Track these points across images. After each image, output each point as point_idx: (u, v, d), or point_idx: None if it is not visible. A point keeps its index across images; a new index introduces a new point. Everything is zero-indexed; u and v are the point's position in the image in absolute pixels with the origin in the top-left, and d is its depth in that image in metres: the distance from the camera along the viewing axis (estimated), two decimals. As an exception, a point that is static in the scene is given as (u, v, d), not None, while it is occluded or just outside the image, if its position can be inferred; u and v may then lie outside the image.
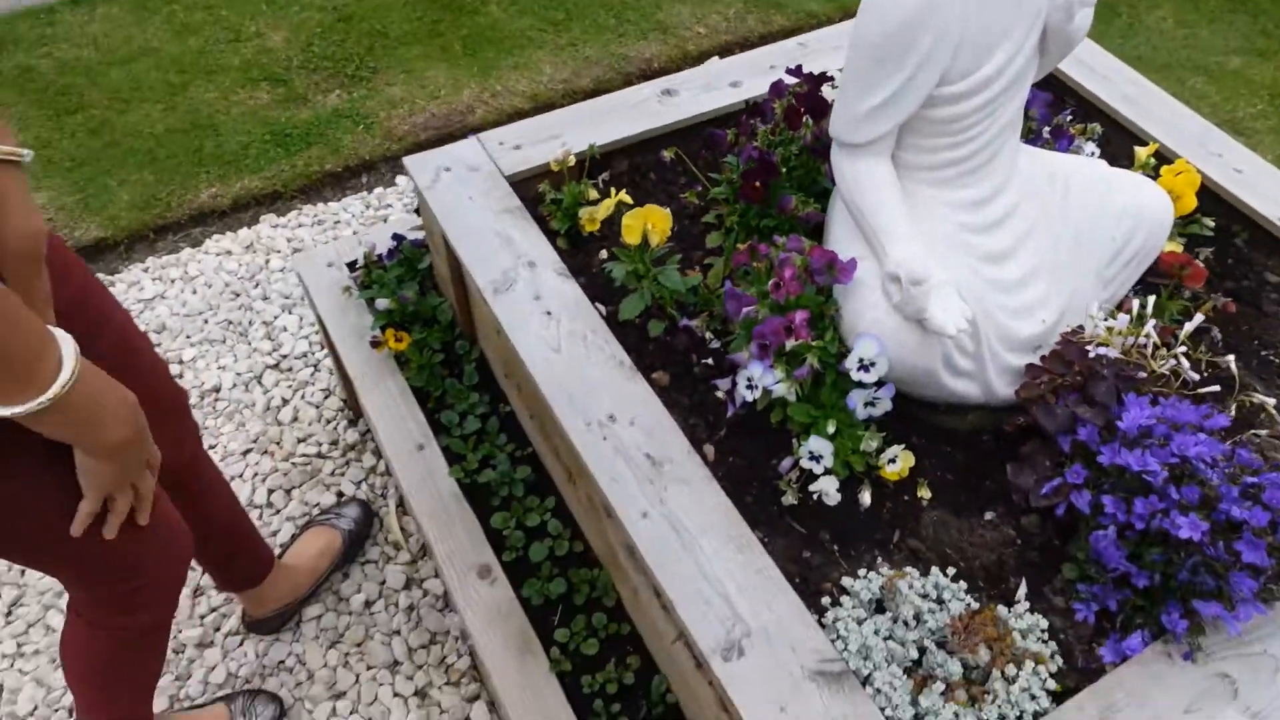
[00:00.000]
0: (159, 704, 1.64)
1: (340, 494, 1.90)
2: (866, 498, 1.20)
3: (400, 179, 2.66)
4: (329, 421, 2.02)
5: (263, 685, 1.67)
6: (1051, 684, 1.02)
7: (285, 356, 2.14)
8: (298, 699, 1.65)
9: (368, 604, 1.76)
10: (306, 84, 2.90)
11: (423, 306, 1.66)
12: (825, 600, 1.10)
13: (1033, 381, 1.23)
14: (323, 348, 2.14)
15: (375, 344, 1.63)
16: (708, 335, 1.39)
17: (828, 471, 1.20)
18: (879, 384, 1.19)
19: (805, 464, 1.20)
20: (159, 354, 1.25)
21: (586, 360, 1.26)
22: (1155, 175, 1.45)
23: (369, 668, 1.69)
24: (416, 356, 1.60)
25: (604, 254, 1.49)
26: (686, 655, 1.16)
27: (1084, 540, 1.12)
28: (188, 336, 2.19)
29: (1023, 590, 1.11)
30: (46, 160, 2.68)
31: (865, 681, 1.01)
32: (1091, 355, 1.19)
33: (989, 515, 1.22)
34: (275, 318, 2.21)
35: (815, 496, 1.20)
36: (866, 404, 1.20)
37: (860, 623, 1.05)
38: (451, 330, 1.68)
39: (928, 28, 1.09)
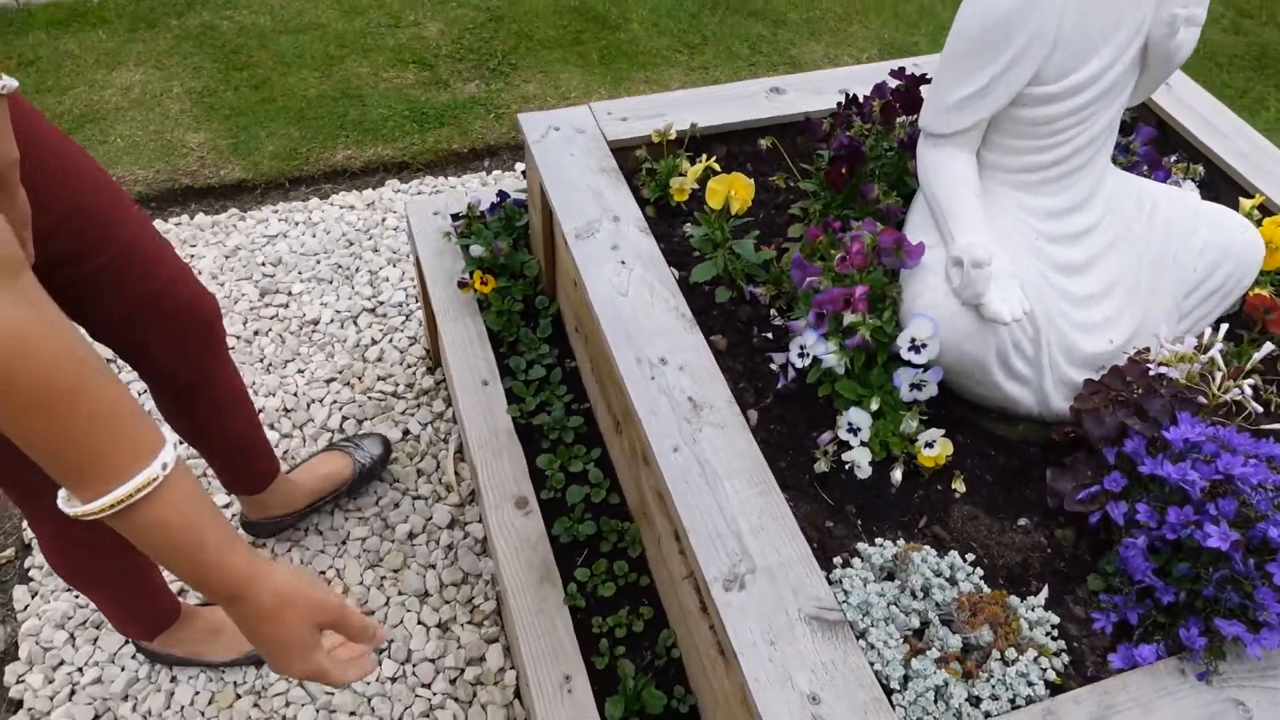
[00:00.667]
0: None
1: (407, 431, 1.99)
2: (898, 475, 1.20)
3: (518, 164, 2.80)
4: (409, 366, 2.12)
5: (301, 590, 1.75)
6: (1052, 675, 0.99)
7: (382, 303, 2.26)
8: (330, 608, 1.72)
9: (411, 535, 1.83)
10: (450, 72, 3.10)
11: (512, 260, 1.75)
12: (837, 561, 1.11)
13: (1088, 394, 1.21)
14: (417, 300, 2.26)
15: (462, 285, 1.72)
16: (772, 312, 1.43)
17: (863, 444, 1.21)
18: (928, 367, 1.20)
19: (843, 435, 1.22)
20: (186, 264, 1.27)
21: (650, 307, 1.31)
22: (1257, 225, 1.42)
23: (400, 593, 1.75)
24: (498, 302, 1.69)
25: (688, 227, 1.55)
26: (693, 597, 1.18)
27: (1114, 555, 1.09)
28: (299, 272, 2.35)
29: (1043, 594, 1.09)
30: (209, 107, 2.94)
31: (860, 636, 1.01)
32: (1152, 373, 1.17)
33: (1022, 521, 1.21)
34: (380, 269, 2.35)
35: (847, 467, 1.21)
36: (913, 385, 1.21)
37: (866, 583, 1.05)
38: (535, 286, 1.76)
39: (1026, 25, 1.12)
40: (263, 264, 2.37)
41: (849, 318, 1.24)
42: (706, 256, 1.44)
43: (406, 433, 1.99)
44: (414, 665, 1.66)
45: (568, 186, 1.49)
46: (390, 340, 2.18)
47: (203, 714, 1.61)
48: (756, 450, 1.16)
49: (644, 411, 1.18)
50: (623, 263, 1.37)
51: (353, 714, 1.60)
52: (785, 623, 1.00)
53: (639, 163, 1.60)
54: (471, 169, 2.80)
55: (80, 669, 1.65)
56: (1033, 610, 1.05)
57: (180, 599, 1.59)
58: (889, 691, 0.97)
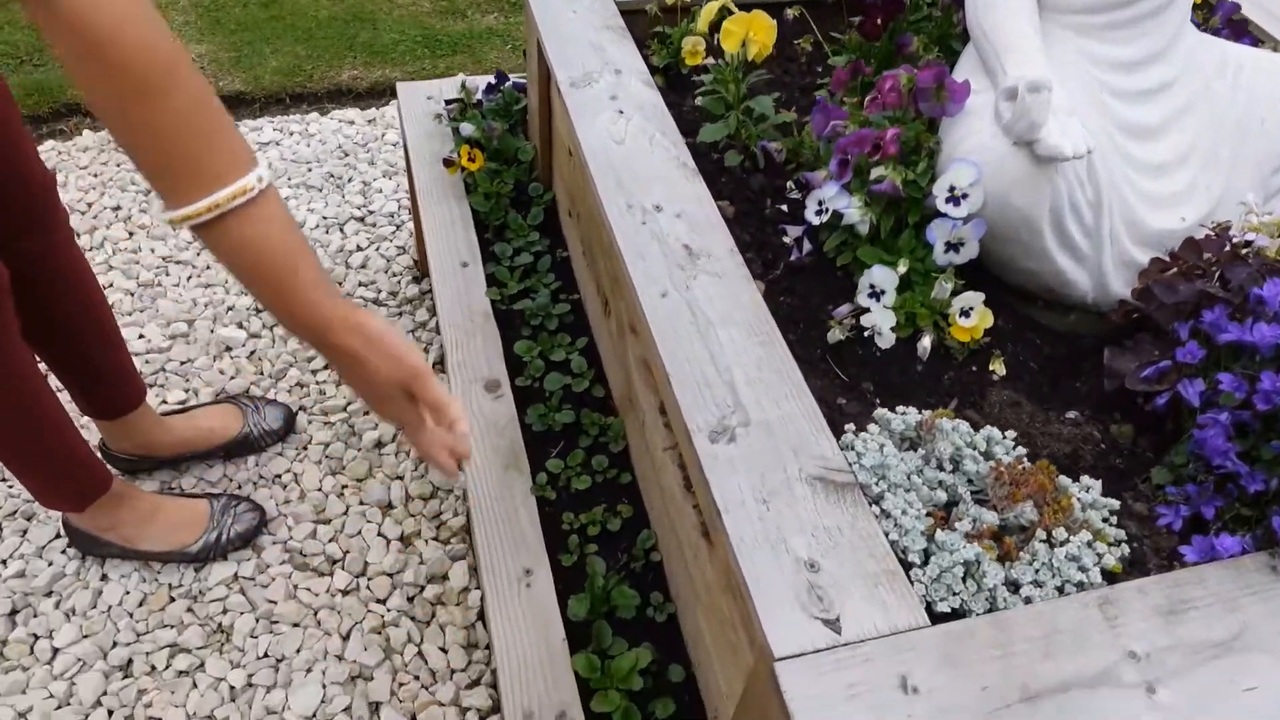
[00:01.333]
0: (149, 487, 1.58)
1: (384, 338, 1.83)
2: (927, 343, 1.01)
3: (532, 97, 2.64)
4: (394, 275, 1.96)
5: (253, 493, 1.58)
6: (1111, 562, 0.81)
7: (372, 212, 2.11)
8: (282, 513, 1.56)
9: (379, 445, 1.66)
10: (469, 2, 2.96)
11: (506, 144, 1.59)
12: (849, 428, 0.93)
13: (1156, 270, 1.03)
14: (410, 212, 2.10)
15: (448, 163, 1.56)
16: (789, 185, 1.25)
17: (886, 309, 1.03)
18: (968, 220, 1.02)
19: (863, 300, 1.04)
20: (28, 134, 1.15)
21: (648, 155, 1.14)
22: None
23: (362, 503, 1.58)
24: (486, 183, 1.52)
25: (700, 99, 1.38)
26: (676, 476, 1.00)
27: (1184, 444, 0.91)
28: (288, 178, 2.20)
29: (1097, 486, 0.90)
30: (215, 20, 2.81)
31: (874, 502, 0.83)
32: (1236, 240, 0.98)
33: (1071, 414, 1.02)
34: (374, 180, 2.20)
35: (866, 334, 1.03)
36: (949, 244, 1.03)
37: (883, 448, 0.87)
38: (529, 173, 1.60)
39: None
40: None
41: (876, 172, 1.06)
42: (718, 118, 1.27)
43: (384, 340, 1.83)
44: (369, 579, 1.49)
45: (567, 39, 1.33)
46: (377, 249, 2.02)
47: (130, 615, 1.44)
48: (760, 301, 0.99)
49: (630, 255, 1.01)
50: (621, 112, 1.20)
51: (296, 625, 1.43)
52: (782, 481, 0.82)
53: (649, 28, 1.43)
54: (482, 95, 2.65)
55: (4, 561, 1.50)
56: (1087, 491, 0.87)
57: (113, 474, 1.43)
58: (907, 566, 0.78)
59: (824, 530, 0.78)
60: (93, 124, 2.40)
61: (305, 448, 1.66)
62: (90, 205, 2.10)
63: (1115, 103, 1.08)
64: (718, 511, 0.79)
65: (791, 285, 1.13)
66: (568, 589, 1.10)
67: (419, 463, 1.64)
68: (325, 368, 1.78)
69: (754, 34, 1.16)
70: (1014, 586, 0.79)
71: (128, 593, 1.46)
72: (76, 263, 1.31)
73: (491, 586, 1.07)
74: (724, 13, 1.26)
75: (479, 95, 1.71)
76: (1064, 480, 0.87)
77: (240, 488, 1.60)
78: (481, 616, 1.44)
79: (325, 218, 2.09)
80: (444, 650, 1.41)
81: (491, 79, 1.68)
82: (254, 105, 2.56)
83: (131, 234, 2.03)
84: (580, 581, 1.11)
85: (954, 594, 0.77)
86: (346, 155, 2.28)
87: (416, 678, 1.38)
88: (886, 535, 0.79)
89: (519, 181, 1.57)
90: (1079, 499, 0.84)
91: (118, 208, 2.09)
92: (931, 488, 0.85)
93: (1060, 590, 0.79)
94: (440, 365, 1.78)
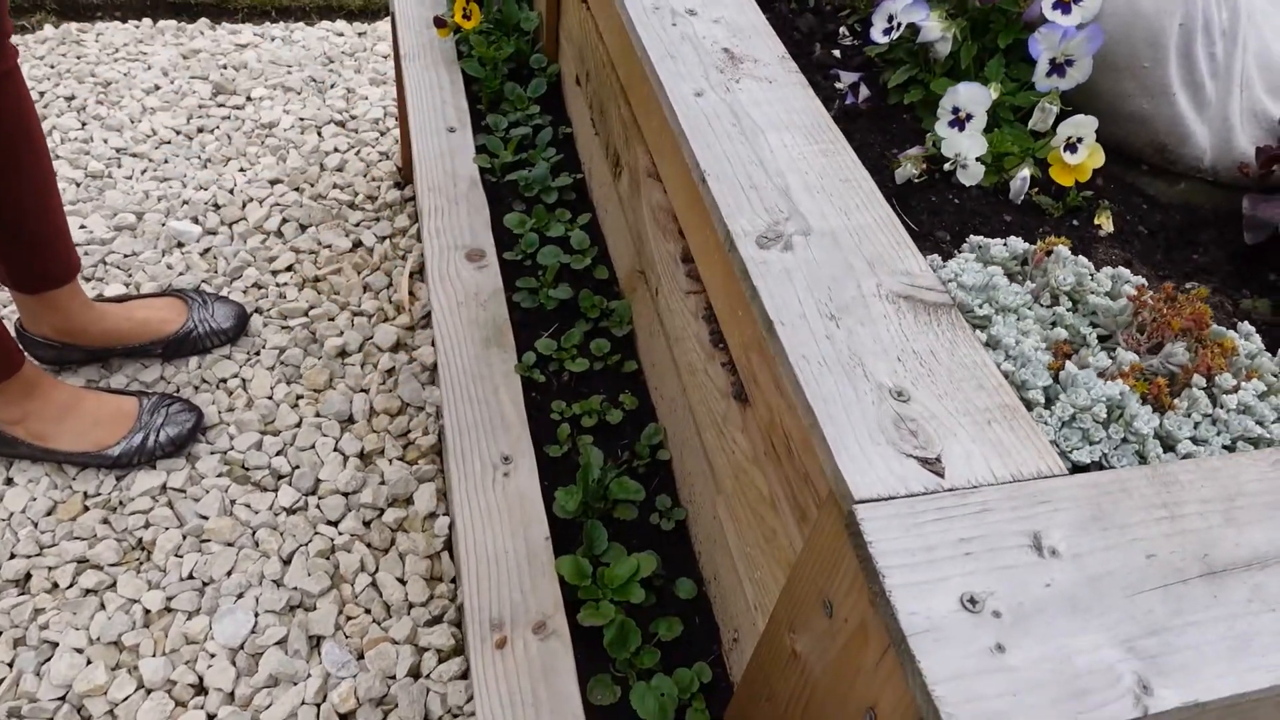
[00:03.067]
0: (74, 382, 1.36)
1: (359, 242, 1.61)
2: (1026, 175, 0.80)
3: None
4: (374, 180, 1.75)
5: (193, 396, 1.36)
6: (1299, 417, 0.60)
7: (354, 118, 1.90)
8: (225, 421, 1.34)
9: (344, 353, 1.45)
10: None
11: (509, 11, 1.38)
12: (933, 257, 0.71)
13: (1308, 110, 0.82)
14: (396, 120, 1.89)
15: (440, 23, 1.35)
16: (841, 30, 1.05)
17: (975, 135, 0.82)
18: (1081, 29, 0.82)
19: (942, 129, 0.83)
20: None
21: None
22: None
23: (319, 415, 1.36)
24: (482, 47, 1.32)
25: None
26: (700, 335, 0.79)
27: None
28: (265, 79, 1.99)
29: (1257, 337, 0.69)
30: (201, -71, 2.61)
31: (978, 327, 0.62)
32: None
33: (1191, 285, 0.81)
34: (359, 87, 1.99)
35: (941, 175, 0.82)
36: (1055, 62, 0.82)
37: (988, 265, 0.66)
38: (532, 45, 1.39)
39: None
40: (224, 67, 2.01)
41: (962, -15, 0.86)
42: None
43: (358, 244, 1.61)
44: (320, 498, 1.27)
45: None
46: (357, 153, 1.81)
47: (35, 524, 1.22)
48: (821, 110, 0.78)
49: (657, 54, 0.80)
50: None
51: (229, 544, 1.21)
52: (855, 297, 0.60)
53: None
54: (484, 19, 2.45)
55: (-111, 457, 1.27)
56: (1249, 339, 0.66)
57: (27, 358, 1.21)
58: (1029, 405, 0.57)
59: (914, 355, 0.57)
60: (55, 20, 2.19)
61: (258, 353, 1.44)
62: (43, 95, 1.88)
63: (1255, -82, 0.88)
64: (769, 326, 0.58)
65: (846, 132, 0.92)
66: (555, 484, 0.88)
67: (388, 374, 1.42)
68: (287, 269, 1.56)
69: None
70: (1167, 444, 0.58)
71: (34, 499, 1.24)
72: (18, 95, 1.10)
73: (459, 472, 0.86)
74: None
75: (479, -33, 1.50)
76: (1216, 326, 0.66)
77: (179, 391, 1.38)
78: (449, 546, 1.22)
79: (302, 119, 1.87)
80: (402, 581, 1.19)
81: (494, -57, 1.47)
82: (236, 15, 2.35)
83: (84, 124, 1.82)
84: (570, 475, 0.89)
85: (1091, 443, 0.56)
86: (331, 62, 2.07)
87: (367, 610, 1.16)
88: (999, 365, 0.58)
89: (519, 52, 1.36)
90: (1243, 346, 0.63)
91: (71, 97, 1.88)
92: (1046, 326, 0.64)
93: (1230, 449, 0.58)
94: (419, 274, 1.57)
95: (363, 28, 2.26)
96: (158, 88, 1.92)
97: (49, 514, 1.23)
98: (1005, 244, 0.70)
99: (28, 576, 1.17)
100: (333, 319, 1.49)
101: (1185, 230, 0.89)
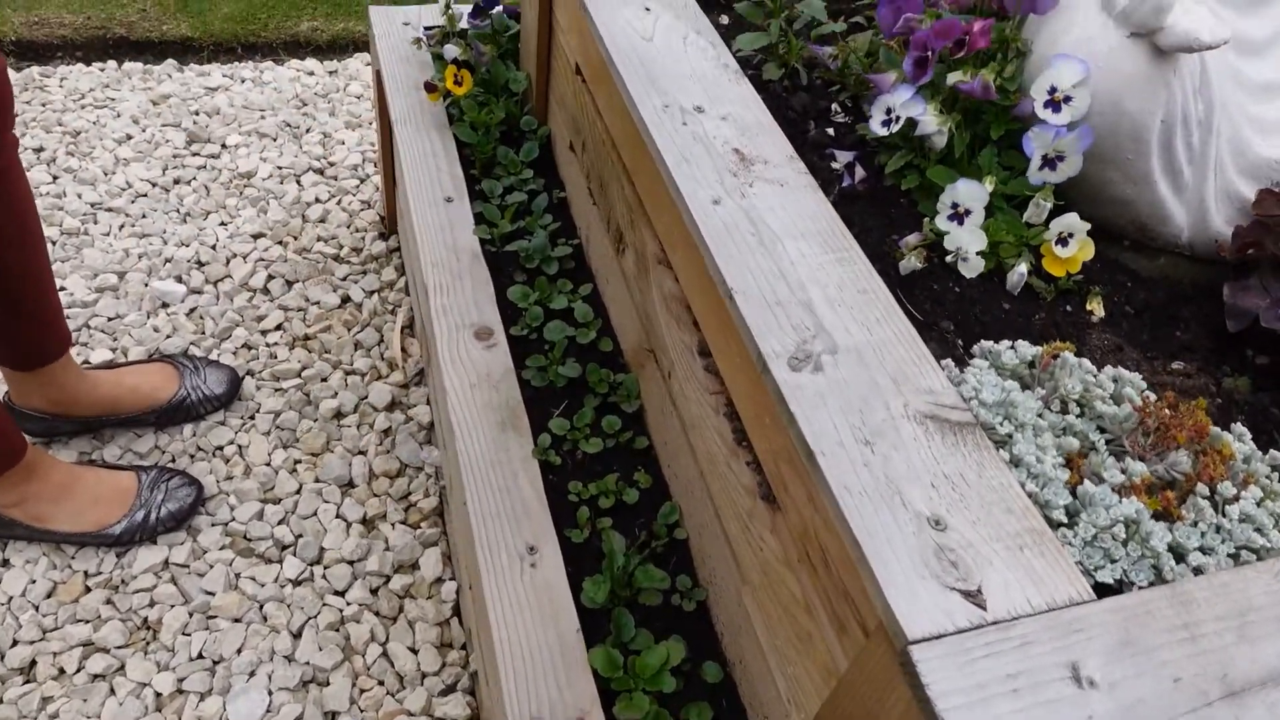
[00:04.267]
0: (66, 457, 1.34)
1: (347, 298, 1.62)
2: (1023, 271, 0.85)
3: (509, 57, 2.44)
4: (358, 231, 1.75)
5: (189, 467, 1.36)
6: (1298, 524, 0.64)
7: (333, 164, 1.89)
8: (224, 491, 1.34)
9: (339, 414, 1.45)
10: (440, -41, 2.76)
11: (496, 72, 1.40)
12: (945, 363, 0.75)
13: (1270, 198, 0.88)
14: (376, 166, 1.89)
15: (430, 88, 1.36)
16: (833, 107, 1.08)
17: (973, 230, 0.86)
18: (1072, 128, 0.86)
19: (943, 222, 0.87)
20: None
21: (683, 55, 0.96)
22: None
23: (318, 480, 1.37)
24: (473, 111, 1.33)
25: (725, 18, 1.21)
26: (718, 438, 0.82)
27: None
28: (239, 125, 1.97)
29: (1248, 435, 0.74)
30: (160, -37, 2.57)
31: (999, 445, 0.65)
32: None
33: (1178, 364, 0.86)
34: (336, 131, 1.98)
35: (945, 261, 0.86)
36: (1047, 158, 0.86)
37: (1003, 377, 0.70)
38: (521, 107, 1.41)
39: None
40: (196, 113, 1.99)
41: (954, 75, 0.90)
42: (754, 24, 1.10)
43: (347, 299, 1.62)
44: (325, 568, 1.28)
45: (577, -62, 1.14)
46: (338, 202, 1.81)
47: (36, 608, 1.21)
48: (833, 214, 0.81)
49: (672, 158, 0.83)
50: (647, 9, 1.02)
51: (237, 620, 1.21)
52: (885, 419, 0.64)
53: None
54: (454, 54, 2.45)
55: (-120, 542, 1.25)
56: (1243, 441, 0.70)
57: (29, 440, 1.20)
58: (1053, 525, 0.61)
59: (945, 479, 0.61)
60: (15, 62, 2.14)
61: (252, 417, 1.44)
62: (8, 147, 1.84)
63: (1222, 9, 0.93)
64: (809, 455, 0.61)
65: (846, 216, 0.95)
66: (579, 570, 0.91)
67: (385, 435, 1.43)
68: (277, 328, 1.56)
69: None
70: (1178, 555, 0.62)
71: (33, 581, 1.23)
72: (15, 175, 1.09)
73: (488, 566, 0.87)
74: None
75: (463, 23, 1.52)
76: (1214, 428, 0.70)
77: (174, 461, 1.37)
78: (457, 612, 1.24)
79: (280, 168, 1.86)
80: (414, 650, 1.20)
81: (479, 1, 1.48)
82: (201, 53, 2.32)
83: (56, 178, 1.79)
84: (593, 561, 0.91)
85: (1112, 561, 0.60)
86: (305, 104, 2.06)
87: (381, 682, 1.17)
88: (1023, 485, 0.62)
89: (510, 115, 1.37)
90: (1238, 449, 0.68)
91: (40, 149, 1.85)
92: (1058, 433, 0.68)
93: (1235, 558, 0.62)
94: (409, 329, 1.58)
95: (333, 65, 2.25)
96: (129, 137, 1.89)
97: (49, 596, 1.22)
98: (1014, 349, 0.73)
99: (33, 664, 1.16)
100: (326, 379, 1.49)
101: (1167, 306, 0.94)
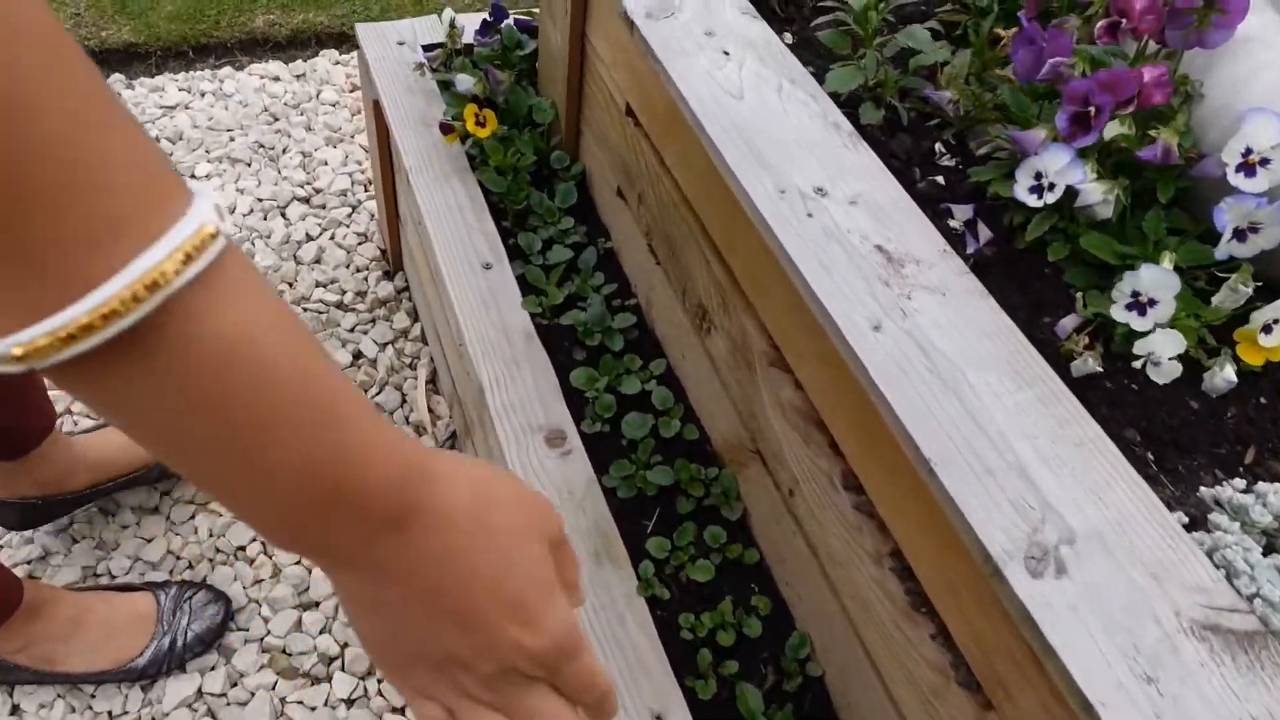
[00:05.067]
0: (68, 574, 1.19)
1: (359, 354, 1.45)
2: (1228, 378, 0.72)
3: (490, 42, 2.24)
4: (359, 270, 1.58)
5: (210, 575, 1.21)
6: None
7: (319, 191, 1.70)
8: (253, 600, 1.19)
9: (369, 494, 1.30)
10: (400, -70, 2.52)
11: (515, 101, 1.22)
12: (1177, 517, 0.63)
13: None
14: (366, 188, 1.71)
15: (446, 129, 1.19)
16: (937, 148, 0.94)
17: (1161, 327, 0.73)
18: (1272, 198, 0.73)
19: (1119, 314, 0.74)
20: None
21: (782, 113, 0.81)
22: None
23: (356, 576, 1.23)
24: (498, 154, 1.16)
25: (789, 36, 1.05)
26: (877, 596, 0.69)
27: None
28: (207, 151, 1.76)
29: None
30: (89, -44, 2.30)
31: (1296, 657, 0.54)
32: None
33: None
34: (316, 149, 1.79)
35: (1132, 365, 0.73)
36: (1240, 229, 0.73)
37: (1268, 553, 0.58)
38: (547, 140, 1.24)
39: None
40: (157, 139, 1.78)
41: (1113, 128, 0.76)
42: (843, 55, 0.94)
43: (359, 355, 1.45)
44: (380, 680, 1.14)
45: (621, -43, 0.97)
46: (332, 236, 1.62)
47: (57, 762, 1.07)
48: (1011, 328, 0.68)
49: (809, 267, 0.68)
50: (725, 54, 0.86)
51: (289, 755, 1.08)
52: (1160, 639, 0.51)
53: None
54: (430, 42, 2.24)
55: None
56: None
57: (28, 577, 1.04)
58: (1385, 769, 0.50)
59: (1251, 720, 0.49)
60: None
61: (272, 505, 1.28)
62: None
63: None
64: (1085, 706, 0.49)
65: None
66: (710, 732, 0.79)
67: (423, 514, 1.29)
68: (286, 396, 1.39)
69: (917, -63, 0.83)
70: None
71: (50, 729, 1.09)
72: None
73: (611, 745, 0.75)
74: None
75: (466, 37, 1.33)
76: None
77: (192, 567, 1.22)
78: None
79: (261, 200, 1.67)
80: (491, 769, 1.09)
81: (486, 16, 1.30)
82: (148, 60, 2.09)
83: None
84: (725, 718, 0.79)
85: None
86: (276, 119, 1.86)
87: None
88: (1341, 718, 0.50)
89: (537, 150, 1.20)
90: None
91: None
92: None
93: None
94: (433, 384, 1.42)
95: (299, 67, 2.03)
96: (85, 175, 1.68)
97: (71, 743, 1.08)
98: (1263, 503, 0.61)
99: (64, 830, 1.03)
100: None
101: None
